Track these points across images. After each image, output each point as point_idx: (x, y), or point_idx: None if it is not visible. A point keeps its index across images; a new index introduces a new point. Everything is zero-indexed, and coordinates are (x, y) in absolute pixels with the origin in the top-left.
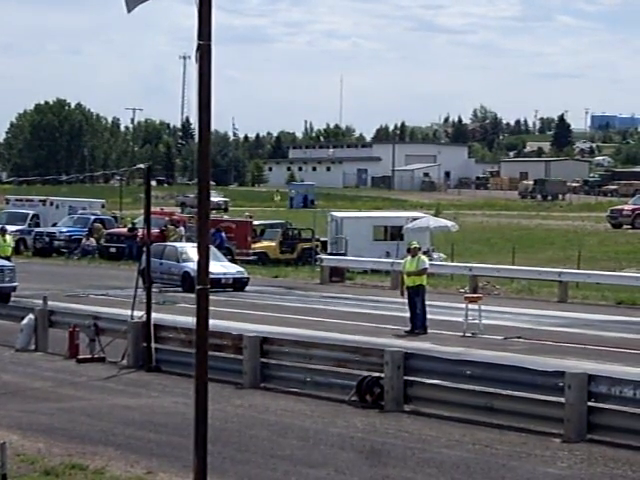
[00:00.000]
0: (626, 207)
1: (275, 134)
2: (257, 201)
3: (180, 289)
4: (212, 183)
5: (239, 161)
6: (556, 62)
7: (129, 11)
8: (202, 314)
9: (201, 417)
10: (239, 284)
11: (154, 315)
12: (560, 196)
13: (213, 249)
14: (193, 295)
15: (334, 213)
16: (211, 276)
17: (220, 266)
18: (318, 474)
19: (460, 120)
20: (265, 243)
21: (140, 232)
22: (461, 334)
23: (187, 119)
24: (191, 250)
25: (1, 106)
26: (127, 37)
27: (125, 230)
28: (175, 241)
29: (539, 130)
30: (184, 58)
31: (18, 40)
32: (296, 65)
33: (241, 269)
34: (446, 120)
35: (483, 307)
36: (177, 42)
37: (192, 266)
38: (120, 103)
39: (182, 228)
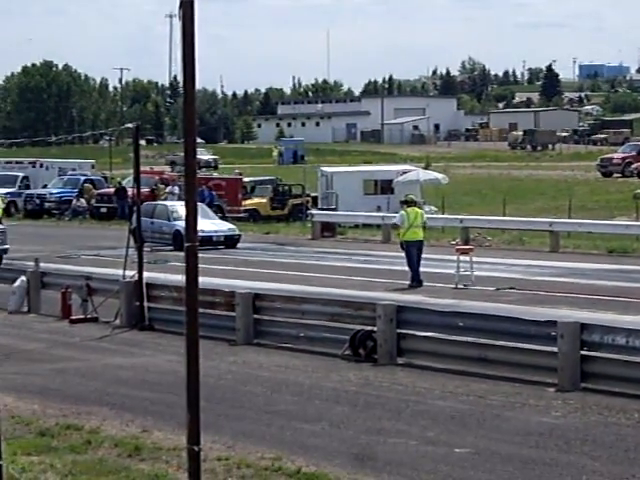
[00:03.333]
0: (616, 155)
1: (263, 90)
2: (246, 158)
3: (172, 248)
4: (201, 141)
5: (228, 118)
6: (541, 11)
7: None
8: (191, 272)
9: (193, 376)
10: (230, 242)
11: (146, 274)
12: (550, 146)
13: (204, 207)
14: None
15: (324, 168)
16: (202, 234)
17: (211, 224)
18: (313, 428)
19: (448, 72)
20: (256, 200)
21: (130, 192)
22: (453, 286)
23: (175, 78)
24: (182, 209)
25: None
26: None
27: (112, 190)
28: (166, 200)
29: (527, 80)
30: (170, 17)
31: (3, 2)
32: (281, 21)
33: (232, 226)
34: (434, 72)
35: (475, 259)
36: (165, 0)
37: (183, 224)
38: (108, 63)
39: (176, 187)
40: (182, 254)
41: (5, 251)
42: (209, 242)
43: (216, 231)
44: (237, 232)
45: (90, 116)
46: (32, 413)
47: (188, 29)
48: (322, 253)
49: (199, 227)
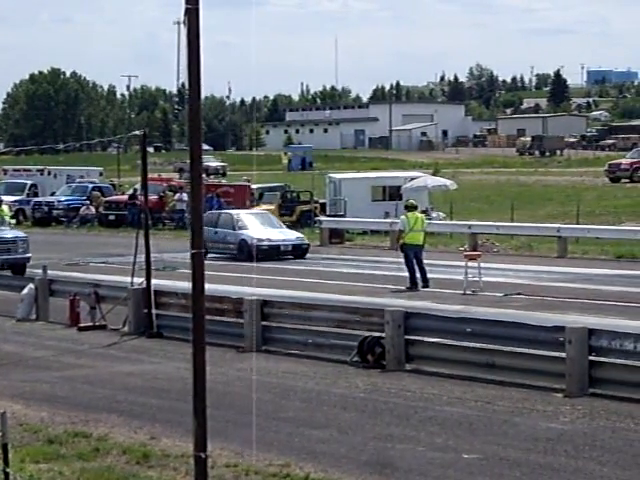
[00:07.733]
0: (624, 161)
1: (271, 97)
2: (255, 164)
3: (236, 257)
4: (209, 148)
5: (236, 125)
6: (547, 17)
7: None
8: (198, 279)
9: (199, 383)
10: (299, 251)
11: (154, 281)
12: (558, 152)
13: (270, 216)
14: (249, 264)
15: (332, 175)
16: (269, 243)
17: (279, 233)
18: (321, 435)
19: (456, 78)
20: (264, 206)
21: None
22: (461, 292)
23: (182, 85)
24: (247, 217)
25: None
26: (117, 4)
27: (125, 197)
28: (174, 207)
29: (535, 86)
30: (177, 24)
31: (10, 11)
32: (288, 27)
33: (301, 235)
34: (442, 79)
35: (483, 264)
36: (170, 8)
37: (249, 234)
38: (115, 70)
39: (185, 194)
40: (245, 264)
41: (28, 260)
42: (277, 252)
43: (284, 240)
44: (306, 241)
45: (98, 123)
46: (40, 421)
47: (193, 36)
48: (330, 260)
49: (266, 236)
